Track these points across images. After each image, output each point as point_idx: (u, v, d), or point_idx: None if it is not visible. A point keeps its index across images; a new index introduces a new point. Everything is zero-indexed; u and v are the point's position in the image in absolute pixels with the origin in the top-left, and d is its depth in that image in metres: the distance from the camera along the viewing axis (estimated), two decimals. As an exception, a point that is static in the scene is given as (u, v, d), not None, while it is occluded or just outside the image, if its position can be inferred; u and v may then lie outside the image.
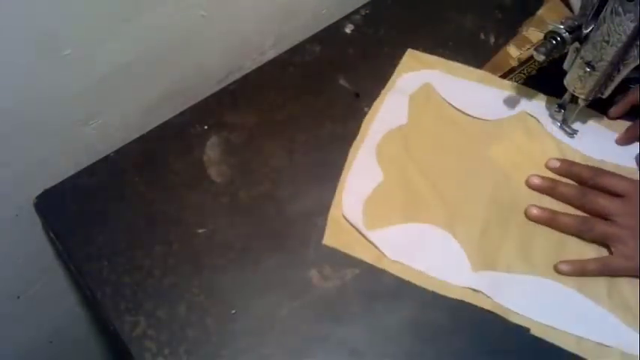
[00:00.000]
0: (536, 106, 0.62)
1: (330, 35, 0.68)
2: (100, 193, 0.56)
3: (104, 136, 0.58)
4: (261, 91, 0.63)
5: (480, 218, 0.54)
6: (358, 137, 0.60)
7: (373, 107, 0.62)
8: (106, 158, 0.58)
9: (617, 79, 0.55)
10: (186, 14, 0.55)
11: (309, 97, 0.63)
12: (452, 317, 0.49)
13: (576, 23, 0.53)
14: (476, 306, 0.49)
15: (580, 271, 0.51)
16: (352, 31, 0.69)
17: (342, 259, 0.52)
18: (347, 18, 0.70)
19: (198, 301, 0.50)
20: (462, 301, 0.50)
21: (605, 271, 0.51)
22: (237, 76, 0.65)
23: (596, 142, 0.59)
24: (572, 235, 0.53)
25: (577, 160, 0.58)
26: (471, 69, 0.65)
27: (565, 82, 0.58)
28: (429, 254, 0.52)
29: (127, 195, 0.56)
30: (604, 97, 0.57)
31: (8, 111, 0.48)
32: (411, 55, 0.67)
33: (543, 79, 0.65)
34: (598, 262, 0.51)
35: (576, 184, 0.56)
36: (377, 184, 0.56)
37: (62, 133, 0.54)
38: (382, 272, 0.52)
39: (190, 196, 0.56)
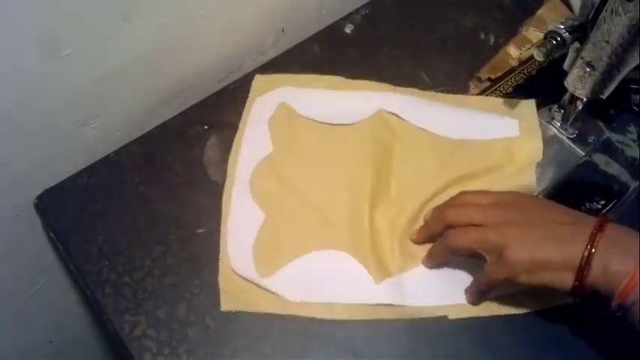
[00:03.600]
0: (395, 101, 0.60)
1: (330, 35, 0.68)
2: (100, 193, 0.56)
3: (104, 136, 0.58)
4: (261, 91, 0.63)
5: (366, 228, 0.51)
6: (227, 179, 0.56)
7: (235, 143, 0.58)
8: (106, 158, 0.58)
9: (617, 79, 0.55)
10: (186, 14, 0.55)
11: (309, 97, 0.63)
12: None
13: (576, 23, 0.53)
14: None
15: (428, 238, 0.51)
16: (352, 31, 0.69)
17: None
18: (347, 18, 0.70)
19: (198, 301, 0.50)
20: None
21: (446, 249, 0.49)
22: (237, 76, 0.65)
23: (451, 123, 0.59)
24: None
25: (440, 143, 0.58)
26: (321, 77, 0.62)
27: (565, 82, 0.58)
28: (329, 281, 0.50)
29: (127, 195, 0.56)
30: (604, 97, 0.57)
31: (8, 111, 0.48)
32: (259, 80, 0.63)
33: (543, 79, 0.65)
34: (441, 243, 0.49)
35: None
36: (259, 225, 0.52)
37: (62, 133, 0.54)
38: (382, 272, 0.51)
39: (190, 196, 0.56)
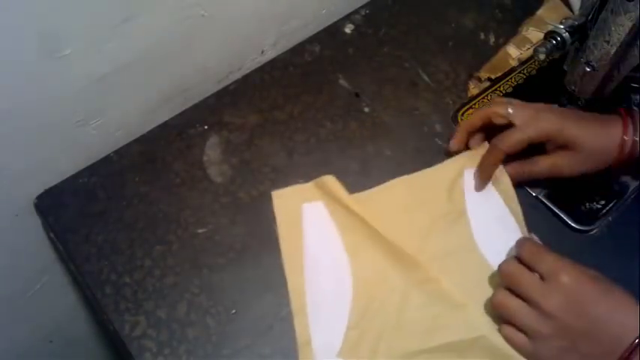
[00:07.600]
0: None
1: (330, 35, 0.68)
2: (100, 193, 0.56)
3: (104, 136, 0.58)
4: (261, 91, 0.63)
5: None
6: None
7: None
8: (106, 158, 0.58)
9: (617, 79, 0.55)
10: (186, 14, 0.55)
11: (309, 96, 0.63)
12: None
13: (576, 23, 0.53)
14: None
15: (528, 172, 0.53)
16: (352, 31, 0.69)
17: (342, 259, 0.52)
18: (347, 18, 0.70)
19: (198, 301, 0.50)
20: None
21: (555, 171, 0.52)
22: (237, 76, 0.65)
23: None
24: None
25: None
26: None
27: (565, 82, 0.58)
28: None
29: (127, 195, 0.56)
30: (604, 97, 0.57)
31: (8, 111, 0.48)
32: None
33: (543, 79, 0.65)
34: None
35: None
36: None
37: (62, 133, 0.54)
38: (382, 272, 0.51)
39: (190, 196, 0.56)
